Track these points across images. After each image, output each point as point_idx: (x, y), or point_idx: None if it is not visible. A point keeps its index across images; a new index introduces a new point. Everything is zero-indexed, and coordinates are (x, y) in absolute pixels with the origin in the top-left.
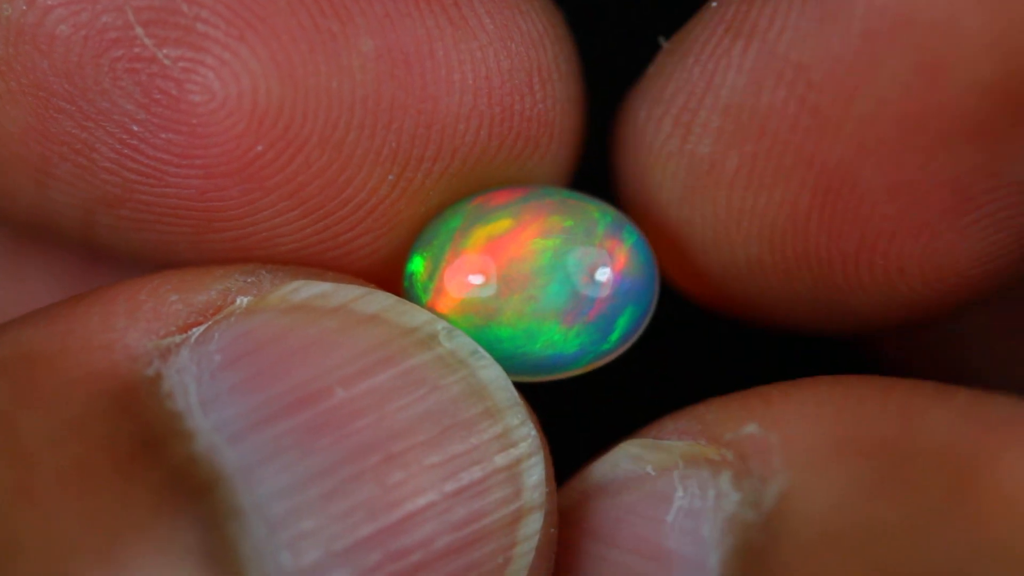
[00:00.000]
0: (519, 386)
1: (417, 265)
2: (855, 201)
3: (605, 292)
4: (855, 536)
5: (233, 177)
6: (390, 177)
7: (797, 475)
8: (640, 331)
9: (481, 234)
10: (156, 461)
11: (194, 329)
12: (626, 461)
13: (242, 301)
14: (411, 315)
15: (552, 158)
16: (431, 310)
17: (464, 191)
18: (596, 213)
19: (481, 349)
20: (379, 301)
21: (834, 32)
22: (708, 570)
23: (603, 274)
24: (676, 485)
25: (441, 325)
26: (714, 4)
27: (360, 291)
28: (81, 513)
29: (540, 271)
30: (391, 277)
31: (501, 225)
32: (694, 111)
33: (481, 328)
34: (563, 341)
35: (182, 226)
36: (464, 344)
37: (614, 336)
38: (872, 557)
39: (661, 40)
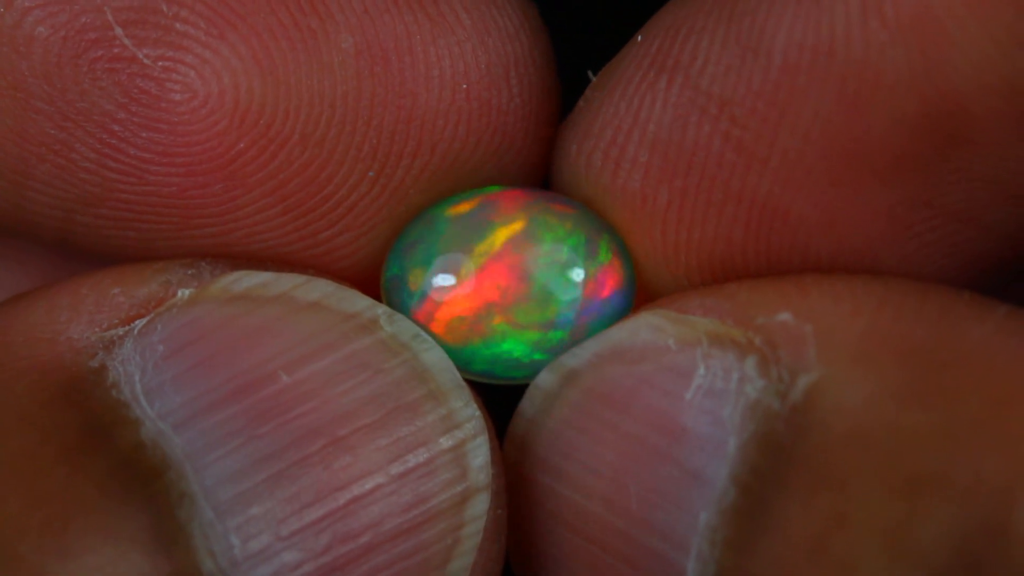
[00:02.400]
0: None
1: (397, 269)
2: (789, 234)
3: (595, 309)
4: (886, 439)
5: (215, 175)
6: (370, 174)
7: (829, 370)
8: None
9: (478, 249)
10: (103, 449)
11: (137, 321)
12: (646, 330)
13: (184, 293)
14: (351, 301)
15: (528, 153)
16: (417, 322)
17: (443, 189)
18: (589, 230)
19: (423, 333)
20: (319, 288)
21: (755, 67)
22: (727, 454)
23: (594, 290)
24: (698, 363)
25: (381, 310)
26: (639, 38)
27: (300, 279)
28: (29, 499)
29: (532, 282)
30: (372, 277)
31: (499, 237)
32: (622, 146)
33: (469, 340)
34: (554, 351)
35: (163, 224)
36: (405, 328)
37: None
38: (901, 462)
39: (590, 74)
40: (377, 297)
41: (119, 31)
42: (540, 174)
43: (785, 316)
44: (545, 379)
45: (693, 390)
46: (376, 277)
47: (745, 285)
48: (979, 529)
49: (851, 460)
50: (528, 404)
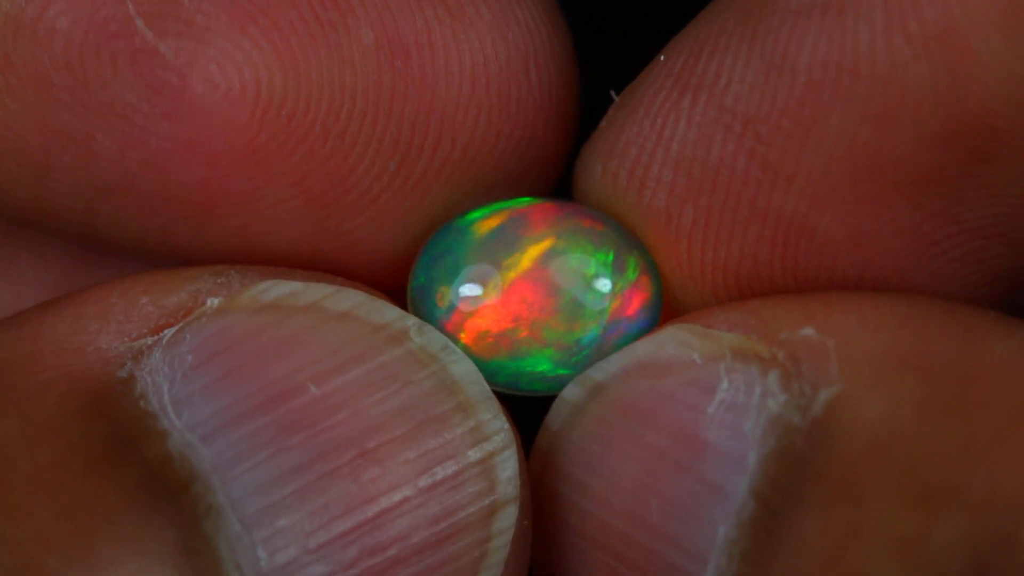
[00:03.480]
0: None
1: (424, 279)
2: (815, 251)
3: (621, 326)
4: (903, 450)
5: (236, 167)
6: (392, 165)
7: (850, 385)
8: None
9: (508, 263)
10: (131, 460)
11: (166, 330)
12: (672, 345)
13: (213, 302)
14: (381, 312)
15: (548, 147)
16: (447, 333)
17: (465, 183)
18: (618, 246)
19: (452, 344)
20: (350, 298)
21: (779, 84)
22: (747, 467)
23: (621, 307)
24: (722, 377)
25: (411, 320)
26: (662, 57)
27: (330, 289)
28: (56, 511)
29: (559, 298)
30: (394, 274)
31: (529, 252)
32: (647, 165)
33: (495, 353)
34: (579, 366)
35: (185, 215)
36: (434, 339)
37: None
38: (917, 473)
39: (613, 94)
40: (402, 300)
41: (140, 23)
42: (560, 169)
43: (808, 331)
44: (572, 392)
45: (716, 404)
46: (398, 271)
47: (770, 301)
48: (990, 540)
49: (868, 472)
50: (554, 417)
